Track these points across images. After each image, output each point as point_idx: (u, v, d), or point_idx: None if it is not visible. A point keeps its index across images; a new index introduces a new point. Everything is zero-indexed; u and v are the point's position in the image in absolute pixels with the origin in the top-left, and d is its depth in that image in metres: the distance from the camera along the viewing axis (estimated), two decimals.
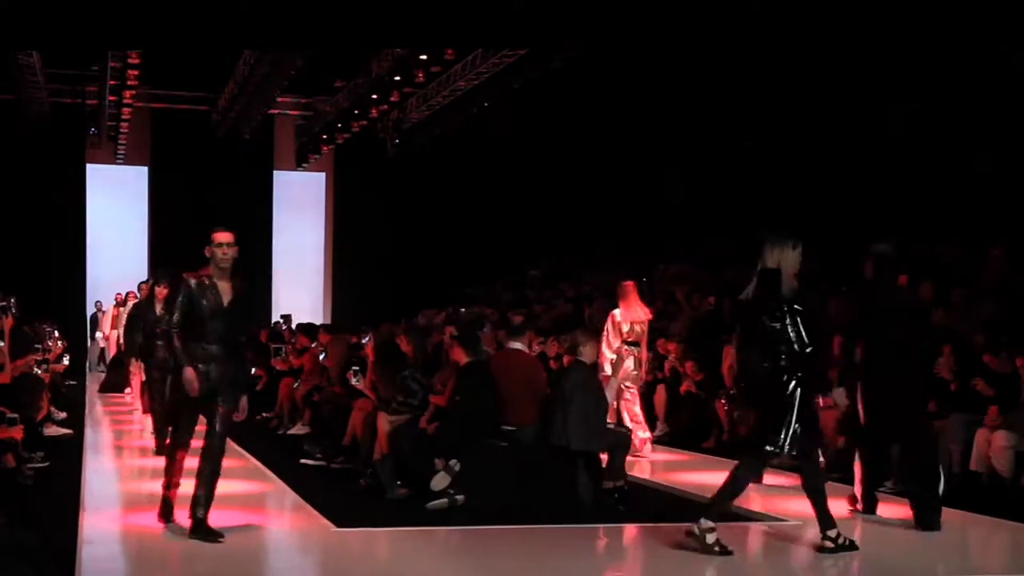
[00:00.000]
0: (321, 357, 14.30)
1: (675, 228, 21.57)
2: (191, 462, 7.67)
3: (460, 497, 8.61)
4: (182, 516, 7.91)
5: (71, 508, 8.32)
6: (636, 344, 11.94)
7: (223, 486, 8.27)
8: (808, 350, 7.10)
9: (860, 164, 17.98)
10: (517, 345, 9.74)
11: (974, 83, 16.20)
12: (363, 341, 14.11)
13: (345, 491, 9.50)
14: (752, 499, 9.18)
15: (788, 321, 7.13)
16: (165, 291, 11.29)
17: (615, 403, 11.85)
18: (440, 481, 8.69)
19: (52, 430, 12.74)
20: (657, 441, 13.52)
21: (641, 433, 11.89)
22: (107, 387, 19.44)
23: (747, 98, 19.77)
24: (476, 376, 9.29)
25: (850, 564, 7.16)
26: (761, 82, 19.23)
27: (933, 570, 7.06)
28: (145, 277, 17.54)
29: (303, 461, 11.18)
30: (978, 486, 9.54)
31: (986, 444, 9.44)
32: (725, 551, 7.09)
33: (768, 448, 7.19)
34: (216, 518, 7.85)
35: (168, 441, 8.21)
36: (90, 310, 25.95)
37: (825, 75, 18.10)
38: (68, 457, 11.29)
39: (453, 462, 8.72)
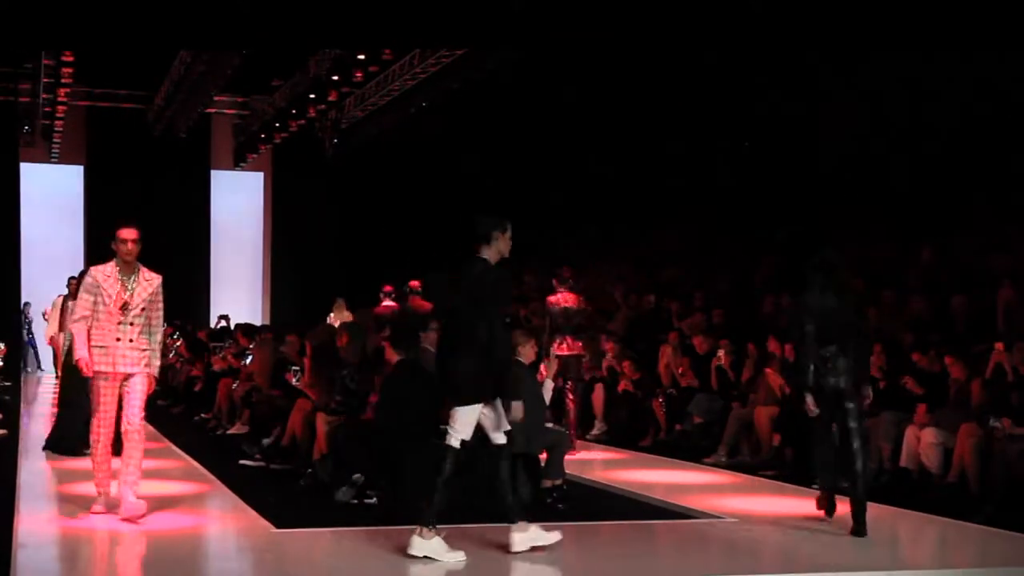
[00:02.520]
0: (248, 360, 14.26)
1: (614, 227, 21.73)
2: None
3: (372, 501, 8.79)
4: (115, 517, 7.88)
5: (5, 511, 8.25)
6: None
7: (162, 487, 8.28)
8: None
9: (796, 169, 18.22)
10: None
11: (916, 85, 16.50)
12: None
13: (284, 492, 9.50)
14: (692, 497, 9.31)
15: None
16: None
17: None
18: (343, 495, 8.79)
19: None
20: (595, 440, 13.65)
21: None
22: (57, 444, 11.49)
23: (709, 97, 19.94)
24: (406, 374, 9.33)
25: (777, 559, 7.29)
26: (714, 81, 19.41)
27: (863, 565, 7.20)
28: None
29: (242, 462, 11.15)
30: (908, 482, 9.72)
31: (915, 441, 9.63)
32: None
33: None
34: (154, 520, 7.84)
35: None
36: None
37: (766, 79, 18.35)
38: (2, 460, 11.17)
39: (357, 476, 8.81)
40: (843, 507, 8.93)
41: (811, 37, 15.58)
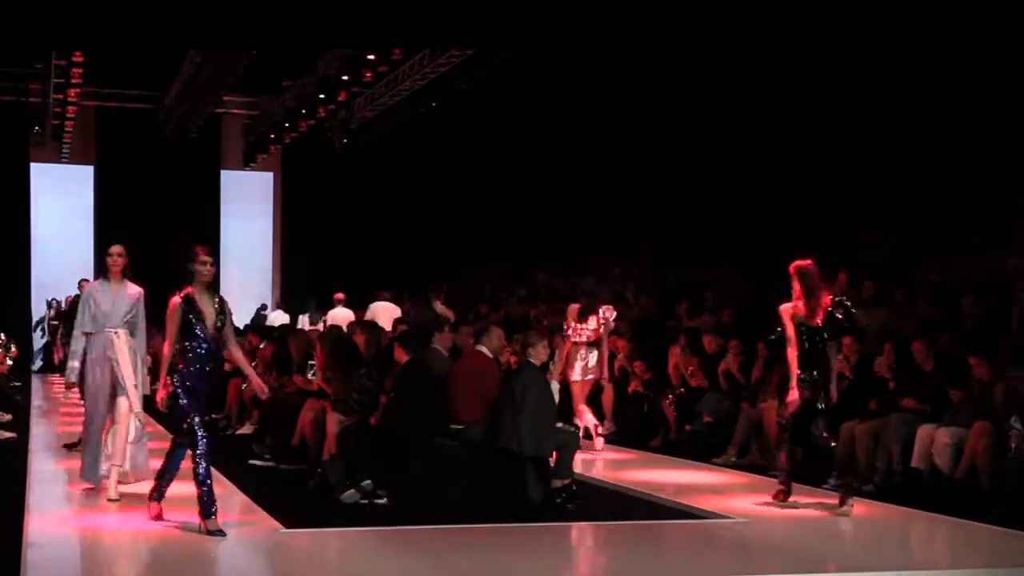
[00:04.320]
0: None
1: (620, 227, 21.72)
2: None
3: (382, 501, 8.80)
4: (131, 518, 7.89)
5: (15, 510, 8.26)
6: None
7: (171, 487, 8.27)
8: None
9: (805, 169, 18.19)
10: (482, 348, 9.80)
11: (921, 84, 16.46)
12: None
13: (294, 492, 9.50)
14: (702, 498, 9.29)
15: None
16: None
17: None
18: (349, 497, 8.80)
19: None
20: (604, 439, 13.63)
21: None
22: None
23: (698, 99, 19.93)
24: (414, 374, 9.33)
25: (787, 559, 7.27)
26: (711, 81, 19.40)
27: (874, 565, 7.18)
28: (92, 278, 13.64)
29: (252, 462, 11.16)
30: (919, 483, 9.67)
31: (928, 441, 9.57)
32: None
33: None
34: (163, 519, 7.84)
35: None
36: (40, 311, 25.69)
37: (771, 78, 18.33)
38: (12, 459, 11.19)
39: (367, 483, 8.83)
40: (859, 507, 8.92)
41: (813, 37, 15.60)
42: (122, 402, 8.85)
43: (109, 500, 8.65)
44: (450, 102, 22.71)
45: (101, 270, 9.34)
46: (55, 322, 24.32)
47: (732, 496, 9.34)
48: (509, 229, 24.48)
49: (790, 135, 18.49)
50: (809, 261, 8.76)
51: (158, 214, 25.26)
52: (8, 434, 13.05)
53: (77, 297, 16.50)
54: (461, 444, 9.23)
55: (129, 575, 7.03)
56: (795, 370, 8.56)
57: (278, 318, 22.31)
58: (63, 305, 22.25)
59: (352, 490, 8.85)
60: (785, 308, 8.69)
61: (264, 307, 23.63)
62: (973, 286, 12.24)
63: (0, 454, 11.32)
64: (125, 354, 8.86)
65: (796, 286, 8.70)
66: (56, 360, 23.29)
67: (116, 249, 9.08)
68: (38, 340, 26.04)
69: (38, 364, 25.09)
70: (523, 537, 7.92)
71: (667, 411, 13.19)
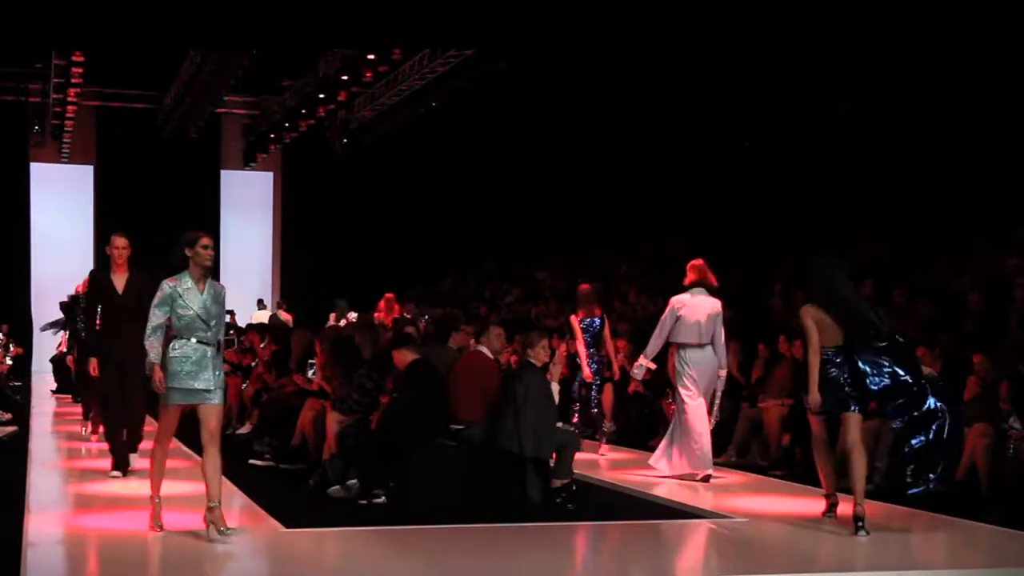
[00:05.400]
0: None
1: (621, 227, 21.72)
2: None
3: (381, 500, 8.80)
4: (131, 518, 7.89)
5: (16, 510, 8.26)
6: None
7: (171, 487, 8.28)
8: None
9: (804, 169, 18.20)
10: (482, 348, 9.82)
11: (922, 83, 16.46)
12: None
13: (294, 491, 9.50)
14: (701, 497, 9.30)
15: None
16: None
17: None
18: (335, 493, 8.85)
19: None
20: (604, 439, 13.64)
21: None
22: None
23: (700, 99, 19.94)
24: (419, 374, 9.33)
25: (786, 559, 7.27)
26: (714, 83, 19.43)
27: (873, 565, 7.18)
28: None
29: (252, 462, 11.17)
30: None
31: None
32: None
33: None
34: (164, 519, 7.83)
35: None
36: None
37: (771, 78, 18.34)
38: (12, 459, 11.19)
39: (352, 482, 8.84)
40: (846, 506, 8.92)
41: (812, 36, 15.62)
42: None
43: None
44: (450, 102, 22.72)
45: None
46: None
47: (732, 496, 9.35)
48: (509, 229, 24.49)
49: (790, 135, 18.50)
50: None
51: (158, 214, 25.25)
52: (11, 428, 13.08)
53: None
54: (461, 444, 9.23)
55: (129, 575, 7.02)
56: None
57: (261, 317, 22.36)
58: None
59: (338, 486, 8.89)
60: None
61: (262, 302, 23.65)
62: (973, 286, 12.23)
63: (0, 453, 11.30)
64: None
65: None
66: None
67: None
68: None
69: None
70: (523, 537, 7.91)
71: (667, 411, 13.18)
